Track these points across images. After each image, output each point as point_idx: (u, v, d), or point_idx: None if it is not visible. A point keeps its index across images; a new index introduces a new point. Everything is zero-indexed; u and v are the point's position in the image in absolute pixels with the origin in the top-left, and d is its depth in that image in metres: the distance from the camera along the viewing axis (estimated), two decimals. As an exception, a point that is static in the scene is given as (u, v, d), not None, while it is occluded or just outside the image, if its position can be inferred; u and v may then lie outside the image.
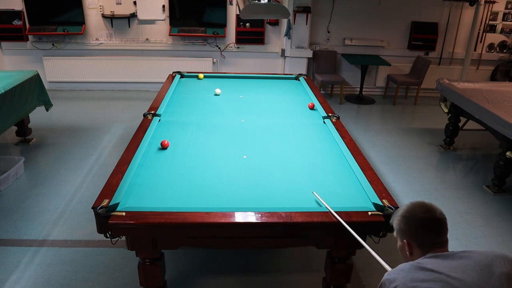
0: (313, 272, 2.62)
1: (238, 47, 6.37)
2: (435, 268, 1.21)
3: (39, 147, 4.34)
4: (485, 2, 6.20)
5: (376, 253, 1.53)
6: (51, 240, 2.86)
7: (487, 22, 6.45)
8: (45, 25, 5.87)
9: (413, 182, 3.91)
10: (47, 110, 4.57)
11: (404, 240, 1.35)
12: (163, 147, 2.52)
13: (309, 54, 6.22)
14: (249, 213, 1.85)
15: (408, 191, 3.73)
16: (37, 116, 4.81)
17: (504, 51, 6.72)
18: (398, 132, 5.19)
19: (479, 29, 6.44)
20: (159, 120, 3.00)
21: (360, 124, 5.45)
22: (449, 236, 1.34)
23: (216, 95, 3.68)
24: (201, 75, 4.25)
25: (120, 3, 5.95)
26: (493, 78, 6.77)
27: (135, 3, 5.93)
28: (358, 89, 6.59)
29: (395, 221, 1.38)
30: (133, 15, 5.99)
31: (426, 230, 1.31)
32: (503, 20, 6.55)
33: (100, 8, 5.94)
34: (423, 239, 1.31)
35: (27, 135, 4.43)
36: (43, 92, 4.45)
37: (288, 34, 6.09)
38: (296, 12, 5.96)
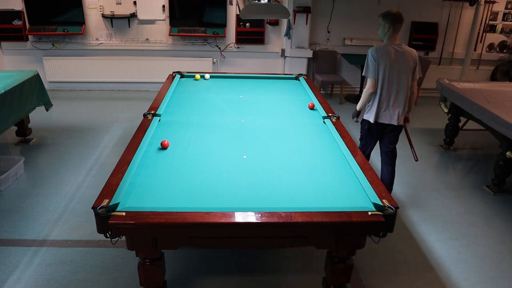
0: (313, 272, 2.62)
1: (238, 47, 6.37)
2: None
3: (39, 147, 4.34)
4: (485, 2, 6.20)
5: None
6: (51, 240, 2.86)
7: (487, 22, 6.45)
8: (45, 25, 5.87)
9: (413, 182, 3.91)
10: (47, 110, 4.57)
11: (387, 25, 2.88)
12: (163, 147, 2.52)
13: (309, 54, 6.22)
14: (249, 213, 1.85)
15: (408, 191, 3.73)
16: (37, 116, 4.81)
17: (504, 51, 6.72)
18: (398, 132, 5.18)
19: (479, 29, 6.44)
20: (159, 120, 3.00)
21: (360, 124, 5.43)
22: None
23: (205, 79, 4.25)
24: (197, 76, 4.24)
25: (120, 3, 5.95)
26: (493, 78, 6.78)
27: (135, 3, 5.93)
28: (358, 89, 6.59)
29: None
30: (133, 15, 5.99)
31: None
32: (503, 20, 6.55)
33: (100, 8, 5.94)
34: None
35: (27, 135, 4.43)
36: (43, 92, 4.45)
37: (288, 34, 6.09)
38: (296, 12, 5.96)
